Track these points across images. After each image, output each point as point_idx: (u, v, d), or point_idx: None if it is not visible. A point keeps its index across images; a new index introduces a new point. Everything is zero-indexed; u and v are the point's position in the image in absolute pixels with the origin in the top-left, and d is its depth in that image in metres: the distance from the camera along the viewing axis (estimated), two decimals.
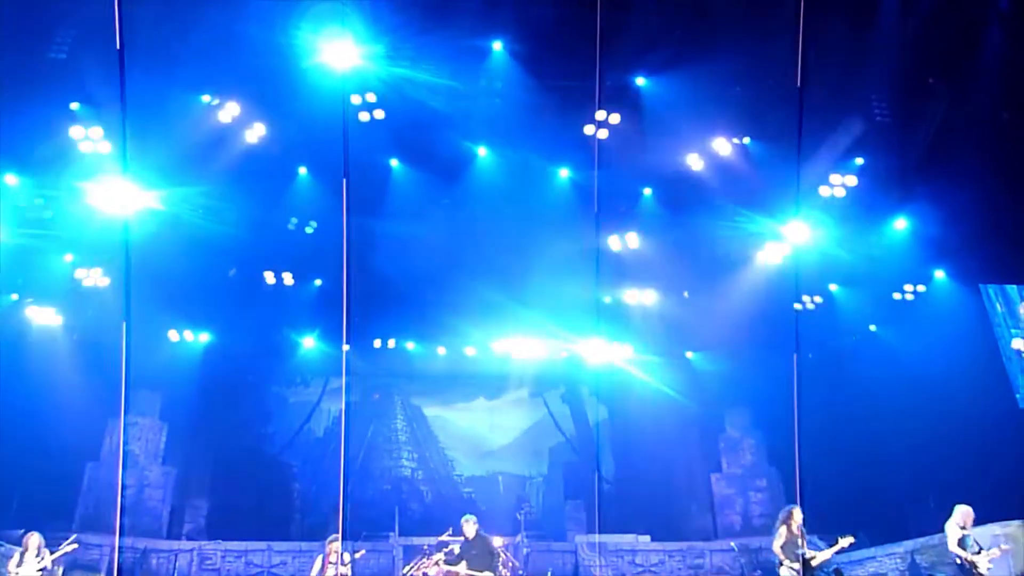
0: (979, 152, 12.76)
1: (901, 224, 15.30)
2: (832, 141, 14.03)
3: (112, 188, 13.28)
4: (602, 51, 12.62)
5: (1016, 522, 10.52)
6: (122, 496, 14.63)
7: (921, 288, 15.89)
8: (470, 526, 10.24)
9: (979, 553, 8.89)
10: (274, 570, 14.39)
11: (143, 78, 10.40)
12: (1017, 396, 14.22)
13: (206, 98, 13.98)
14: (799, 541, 8.79)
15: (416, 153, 15.28)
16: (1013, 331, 14.69)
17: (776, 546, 8.94)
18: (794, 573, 8.77)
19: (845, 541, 8.82)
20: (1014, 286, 14.95)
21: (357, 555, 10.60)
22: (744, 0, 12.52)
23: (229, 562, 14.33)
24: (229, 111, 13.96)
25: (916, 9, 12.60)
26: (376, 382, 19.91)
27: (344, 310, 6.41)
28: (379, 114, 13.75)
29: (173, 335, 16.33)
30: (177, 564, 14.09)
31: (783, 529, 8.95)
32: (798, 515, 8.87)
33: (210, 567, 14.23)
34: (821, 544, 9.70)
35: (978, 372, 14.20)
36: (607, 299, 17.15)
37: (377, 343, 18.18)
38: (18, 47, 12.13)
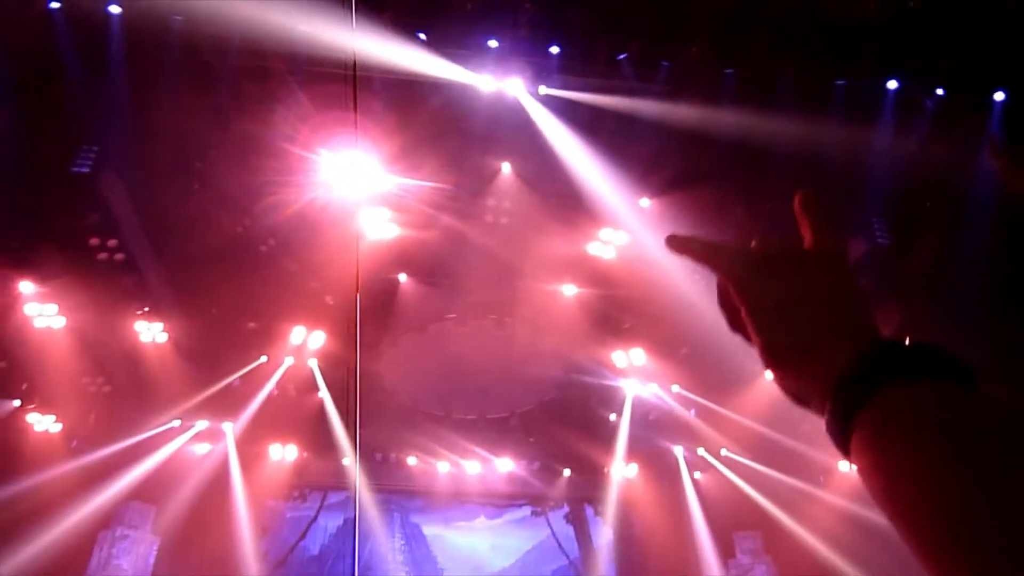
0: (977, 278, 12.86)
1: None
2: None
3: None
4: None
5: None
6: None
7: None
8: None
9: None
10: None
11: None
12: None
13: None
14: None
15: (424, 267, 15.43)
16: None
17: None
18: None
19: None
20: None
21: None
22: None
23: None
24: None
25: (911, 132, 12.98)
26: (375, 497, 19.43)
27: (356, 422, 6.39)
28: (390, 230, 14.00)
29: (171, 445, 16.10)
30: None
31: None
32: None
33: None
34: None
35: None
36: (612, 416, 16.99)
37: (378, 456, 17.89)
38: None
